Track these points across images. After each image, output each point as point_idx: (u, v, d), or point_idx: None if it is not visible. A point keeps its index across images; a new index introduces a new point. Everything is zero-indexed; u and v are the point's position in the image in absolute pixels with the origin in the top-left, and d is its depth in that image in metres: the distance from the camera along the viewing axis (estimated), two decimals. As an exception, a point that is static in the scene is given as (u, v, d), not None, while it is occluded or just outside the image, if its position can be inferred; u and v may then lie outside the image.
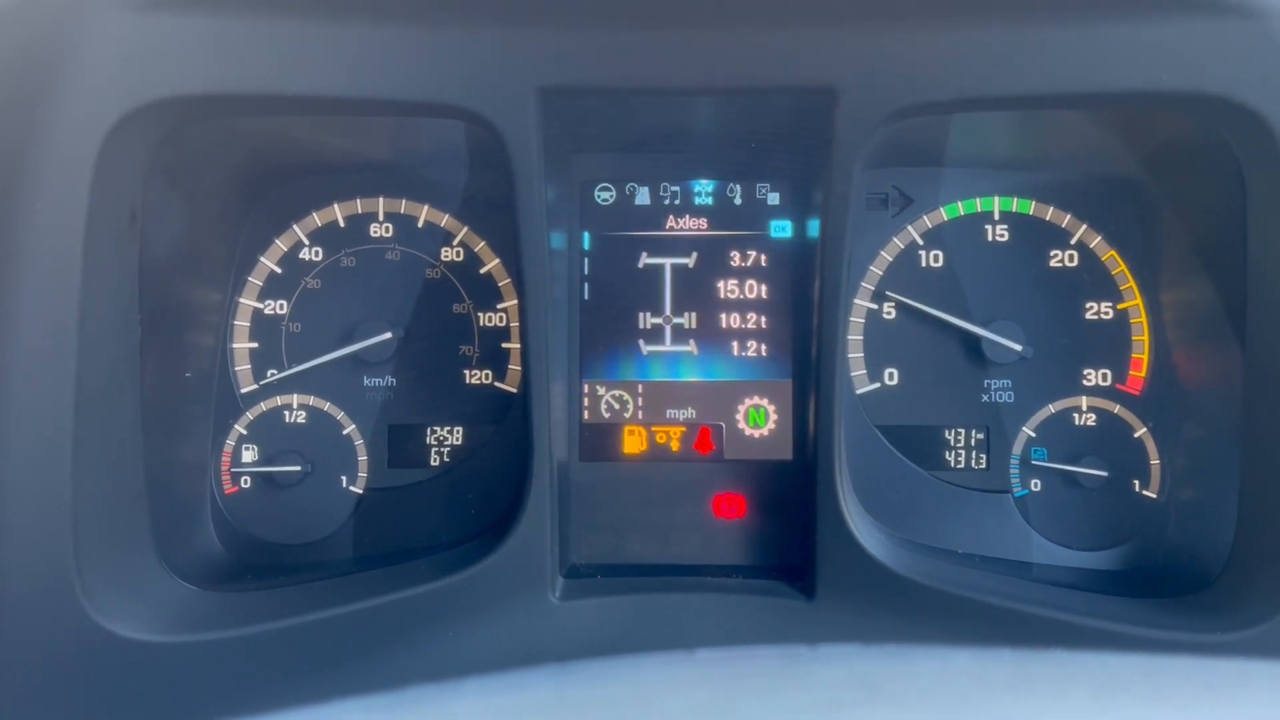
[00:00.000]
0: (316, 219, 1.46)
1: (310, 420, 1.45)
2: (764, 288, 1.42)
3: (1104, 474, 1.41)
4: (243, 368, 1.44)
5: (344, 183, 1.46)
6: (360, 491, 1.44)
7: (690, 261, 1.42)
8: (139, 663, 1.14)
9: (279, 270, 1.45)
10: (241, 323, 1.45)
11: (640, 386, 1.42)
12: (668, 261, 1.43)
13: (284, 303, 1.45)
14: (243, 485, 1.44)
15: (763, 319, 1.42)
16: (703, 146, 1.42)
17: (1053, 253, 1.45)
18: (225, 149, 1.33)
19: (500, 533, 1.25)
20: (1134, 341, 1.44)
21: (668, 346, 1.42)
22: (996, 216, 1.46)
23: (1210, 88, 1.10)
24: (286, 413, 1.45)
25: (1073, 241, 1.45)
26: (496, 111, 1.15)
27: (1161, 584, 1.32)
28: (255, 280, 1.45)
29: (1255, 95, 1.09)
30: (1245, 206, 1.17)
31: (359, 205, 1.46)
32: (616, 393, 1.42)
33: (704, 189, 1.44)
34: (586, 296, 1.42)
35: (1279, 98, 1.08)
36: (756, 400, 1.41)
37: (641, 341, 1.42)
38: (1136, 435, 1.43)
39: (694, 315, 1.42)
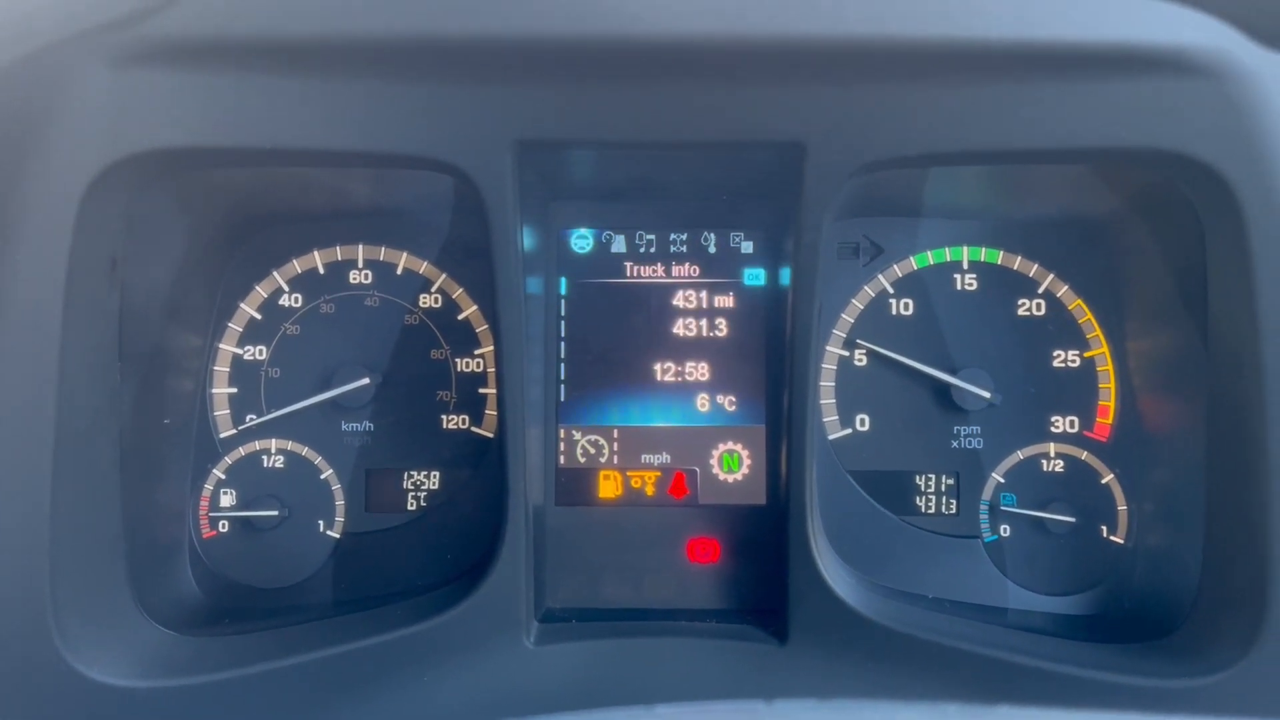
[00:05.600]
0: (296, 266, 1.48)
1: (288, 465, 1.46)
2: (738, 334, 1.44)
3: (1072, 520, 1.44)
4: (222, 413, 1.46)
5: (324, 230, 1.48)
6: (337, 536, 1.45)
7: (665, 308, 1.45)
8: (115, 708, 1.15)
9: (259, 316, 1.47)
10: (221, 368, 1.46)
11: (616, 431, 1.44)
12: (643, 308, 1.45)
13: (263, 348, 1.47)
14: (220, 529, 1.45)
15: (736, 365, 1.44)
16: (678, 196, 1.45)
17: (1020, 301, 1.48)
18: (206, 198, 1.35)
19: (476, 577, 1.26)
20: (1100, 389, 1.46)
21: (643, 392, 1.44)
22: (965, 266, 1.49)
23: (1171, 145, 1.13)
24: (265, 457, 1.46)
25: (1040, 290, 1.48)
26: (473, 164, 1.17)
27: (1129, 629, 1.33)
28: (235, 326, 1.47)
29: (1213, 152, 1.12)
30: (1205, 258, 1.20)
31: (339, 252, 1.48)
32: (592, 438, 1.44)
33: (679, 237, 1.46)
34: (563, 342, 1.44)
35: (1236, 154, 1.11)
36: (730, 445, 1.43)
37: (617, 387, 1.44)
38: (1104, 481, 1.45)
39: (669, 361, 1.44)
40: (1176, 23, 1.08)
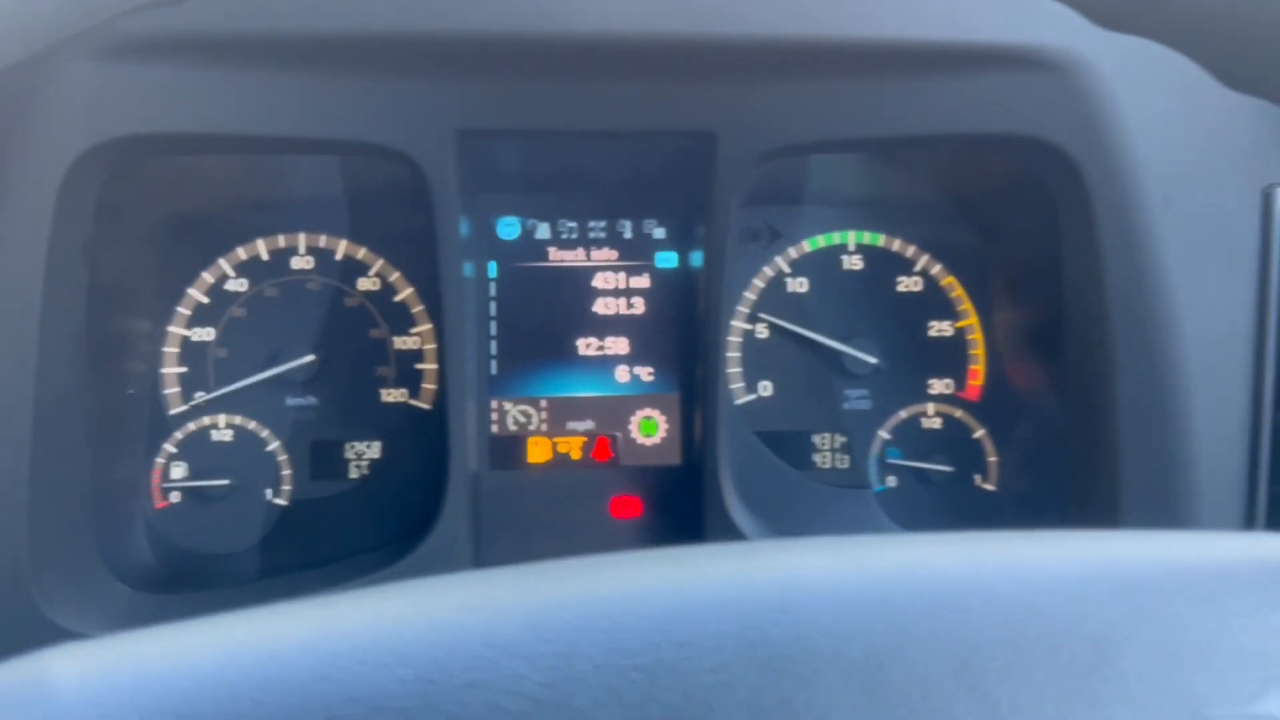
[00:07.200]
0: (241, 253, 1.56)
1: (236, 439, 1.55)
2: (652, 312, 1.59)
3: (949, 470, 1.60)
4: (172, 390, 1.54)
5: (267, 219, 1.57)
6: (284, 503, 1.54)
7: (586, 289, 1.59)
8: None
9: (206, 300, 1.55)
10: (171, 349, 1.54)
11: (543, 402, 1.57)
12: (567, 289, 1.58)
13: (211, 330, 1.55)
14: (172, 500, 1.53)
15: (652, 340, 1.58)
16: (597, 187, 1.59)
17: (900, 279, 1.65)
18: (161, 188, 1.44)
19: (418, 537, 1.36)
20: (971, 355, 1.63)
21: (568, 365, 1.57)
22: (851, 248, 1.65)
23: (1027, 131, 1.29)
24: (214, 432, 1.54)
25: (917, 269, 1.65)
26: (420, 151, 1.30)
27: (1000, 564, 1.50)
28: (183, 310, 1.54)
29: (1064, 137, 1.28)
30: (1059, 233, 1.37)
31: (281, 240, 1.57)
32: (522, 408, 1.56)
33: (597, 225, 1.60)
34: (494, 321, 1.57)
35: (1084, 139, 1.27)
36: (648, 412, 1.57)
37: (543, 361, 1.57)
38: (976, 436, 1.62)
39: (591, 337, 1.58)
40: (1033, 21, 1.26)
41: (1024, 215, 1.50)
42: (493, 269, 1.58)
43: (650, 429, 1.57)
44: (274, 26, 1.20)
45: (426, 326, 1.58)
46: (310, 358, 1.54)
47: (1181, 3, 0.66)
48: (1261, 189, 1.30)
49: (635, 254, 1.60)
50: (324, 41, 1.22)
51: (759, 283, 1.64)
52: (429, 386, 1.58)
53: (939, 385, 1.64)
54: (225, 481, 1.53)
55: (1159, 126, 1.28)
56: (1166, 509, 1.30)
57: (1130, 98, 1.27)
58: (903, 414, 1.63)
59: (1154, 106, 1.28)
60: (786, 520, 1.57)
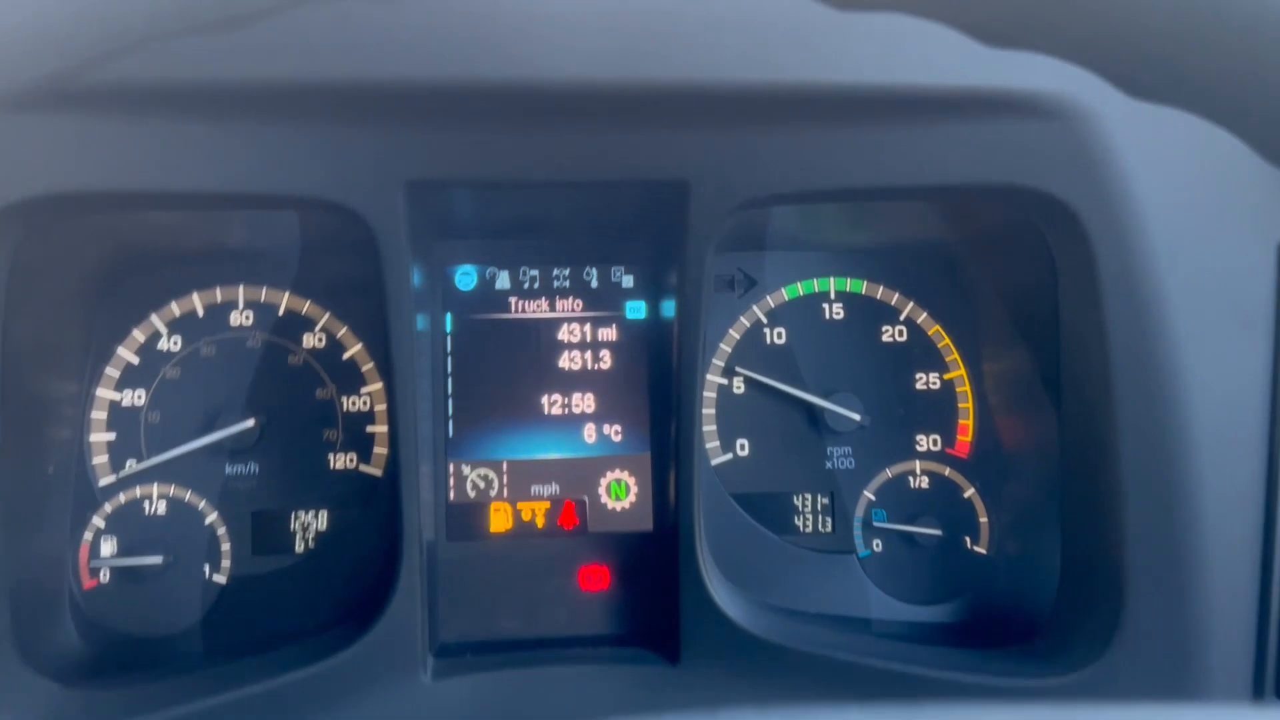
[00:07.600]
0: (175, 309, 1.46)
1: (171, 511, 1.43)
2: (621, 366, 1.49)
3: (938, 533, 1.52)
4: (100, 460, 1.42)
5: (203, 272, 1.47)
6: (224, 581, 1.43)
7: (550, 342, 1.48)
8: None
9: (136, 360, 1.44)
10: (99, 414, 1.43)
11: (505, 465, 1.46)
12: (529, 342, 1.48)
13: (142, 393, 1.44)
14: (101, 579, 1.41)
15: (621, 396, 1.48)
16: (560, 233, 1.49)
17: (884, 328, 1.57)
18: (86, 240, 1.33)
19: (369, 615, 1.26)
20: (960, 409, 1.56)
21: (531, 425, 1.47)
22: (832, 296, 1.57)
23: (1024, 181, 1.21)
24: (146, 504, 1.43)
25: (902, 318, 1.57)
26: (366, 204, 1.19)
27: (994, 634, 1.42)
28: (112, 371, 1.44)
29: (1062, 187, 1.20)
30: (1056, 285, 1.29)
31: (219, 294, 1.47)
32: (482, 471, 1.46)
33: (561, 273, 1.50)
34: (450, 378, 1.46)
35: (1084, 190, 1.20)
36: (618, 474, 1.47)
37: (505, 421, 1.47)
38: (966, 496, 1.54)
39: (555, 394, 1.47)
40: (1027, 64, 1.17)
41: (1016, 263, 1.42)
42: (448, 322, 1.47)
43: (620, 492, 1.47)
44: (204, 76, 1.09)
45: (377, 386, 1.48)
46: (250, 422, 1.43)
47: (1212, 75, 0.58)
48: (1276, 244, 1.22)
49: (602, 304, 1.50)
50: (260, 91, 1.10)
51: (735, 334, 1.55)
52: (380, 450, 1.47)
53: (926, 441, 1.55)
54: (159, 558, 1.41)
55: (1166, 177, 1.20)
56: (1173, 579, 1.22)
57: (1135, 147, 1.19)
58: (889, 473, 1.55)
59: (1160, 156, 1.19)
60: (766, 590, 1.48)
